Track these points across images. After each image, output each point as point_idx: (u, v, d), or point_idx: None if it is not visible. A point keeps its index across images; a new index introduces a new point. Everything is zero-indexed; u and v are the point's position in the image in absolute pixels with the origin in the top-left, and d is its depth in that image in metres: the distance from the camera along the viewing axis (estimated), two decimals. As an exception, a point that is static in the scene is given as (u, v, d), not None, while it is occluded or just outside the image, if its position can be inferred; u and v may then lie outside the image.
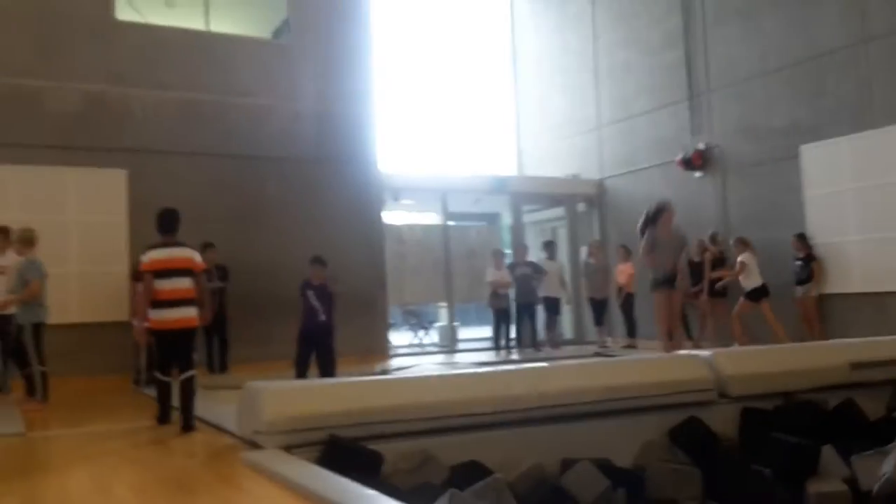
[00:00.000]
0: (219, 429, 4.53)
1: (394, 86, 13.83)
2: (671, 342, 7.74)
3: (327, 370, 7.28)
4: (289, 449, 3.61)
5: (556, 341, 11.22)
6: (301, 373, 7.45)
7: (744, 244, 9.71)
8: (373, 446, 3.66)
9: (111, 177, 8.94)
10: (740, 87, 10.75)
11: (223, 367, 8.63)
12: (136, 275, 5.99)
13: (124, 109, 9.21)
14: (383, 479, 3.49)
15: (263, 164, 9.88)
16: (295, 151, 10.07)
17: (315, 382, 4.29)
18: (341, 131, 10.50)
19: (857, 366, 4.80)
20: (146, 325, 5.16)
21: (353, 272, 10.06)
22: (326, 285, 7.39)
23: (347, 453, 3.49)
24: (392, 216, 12.79)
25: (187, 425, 4.60)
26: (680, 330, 8.62)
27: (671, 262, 7.86)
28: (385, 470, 3.60)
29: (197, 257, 5.18)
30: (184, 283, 4.99)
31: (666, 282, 7.83)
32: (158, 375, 5.02)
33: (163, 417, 4.94)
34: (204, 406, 5.07)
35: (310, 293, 7.29)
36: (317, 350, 7.24)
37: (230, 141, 9.71)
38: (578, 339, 12.56)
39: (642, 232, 8.01)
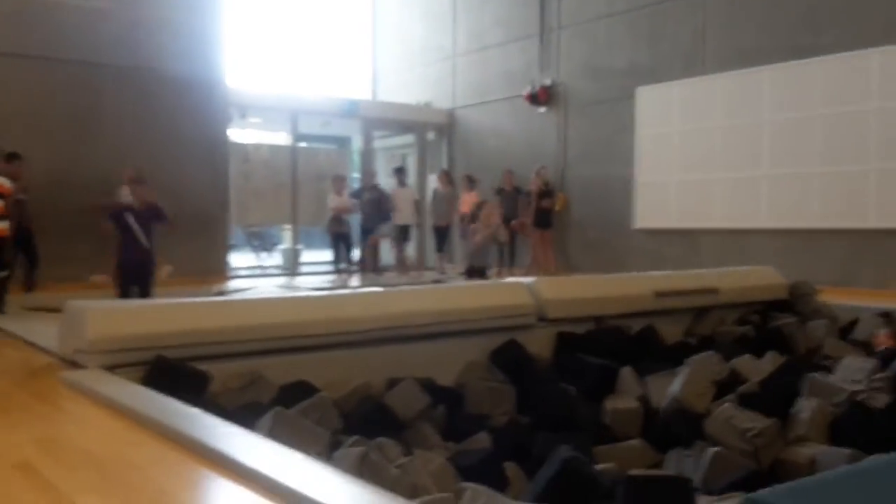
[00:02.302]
0: (37, 347, 4.38)
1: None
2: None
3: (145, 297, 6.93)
4: (112, 369, 3.57)
5: (405, 266, 11.46)
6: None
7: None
8: (202, 367, 3.69)
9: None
10: (587, 26, 11.13)
11: (30, 286, 7.90)
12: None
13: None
14: (210, 399, 3.55)
15: (99, 72, 9.25)
16: (134, 60, 9.48)
17: (143, 302, 4.22)
18: (185, 42, 9.97)
19: (660, 294, 5.30)
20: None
21: (193, 190, 9.77)
22: (153, 207, 6.77)
23: (173, 373, 3.50)
24: (239, 134, 12.42)
25: None
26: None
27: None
28: (213, 389, 3.65)
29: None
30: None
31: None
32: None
33: None
34: (23, 326, 4.86)
35: (128, 216, 6.67)
36: (138, 284, 6.71)
37: (62, 44, 9.00)
38: (420, 266, 12.89)
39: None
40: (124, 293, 6.68)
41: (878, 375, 3.79)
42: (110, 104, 9.32)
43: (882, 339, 4.59)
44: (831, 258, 8.30)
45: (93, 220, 7.65)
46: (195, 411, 2.81)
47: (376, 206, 11.02)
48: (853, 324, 5.35)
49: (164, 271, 7.97)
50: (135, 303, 4.21)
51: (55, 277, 8.09)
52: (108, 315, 3.78)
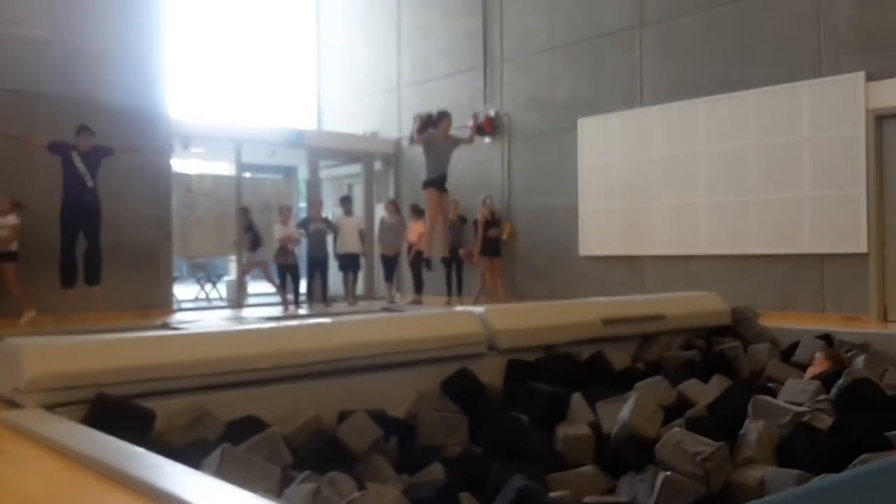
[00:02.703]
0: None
1: (189, 28, 13.12)
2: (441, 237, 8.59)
3: (94, 260, 6.43)
4: (52, 408, 3.45)
5: (353, 298, 11.39)
6: (69, 265, 6.59)
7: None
8: (147, 404, 3.58)
9: None
10: (529, 59, 11.35)
11: None
12: None
13: None
14: (155, 437, 3.44)
15: (36, 102, 9.03)
16: (73, 91, 9.29)
17: (82, 338, 4.09)
18: (126, 72, 9.83)
19: (608, 321, 5.36)
20: None
21: (135, 222, 9.58)
22: (98, 150, 6.36)
23: (115, 411, 3.39)
24: (182, 164, 12.24)
25: None
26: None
27: (444, 164, 8.56)
28: (158, 427, 3.54)
29: None
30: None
31: (437, 181, 8.49)
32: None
33: None
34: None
35: (74, 154, 6.20)
36: (84, 232, 6.25)
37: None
38: (369, 295, 12.83)
39: (420, 130, 8.58)
40: (67, 246, 6.20)
41: (821, 396, 3.90)
42: (48, 135, 9.07)
43: (819, 363, 4.73)
44: (770, 283, 8.54)
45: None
46: (139, 451, 2.72)
47: (321, 237, 10.97)
48: (794, 346, 5.49)
49: (24, 317, 7.74)
50: (74, 339, 4.07)
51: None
52: (46, 352, 3.65)
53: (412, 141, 9.00)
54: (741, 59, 8.91)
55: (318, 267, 11.03)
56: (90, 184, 6.21)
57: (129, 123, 9.69)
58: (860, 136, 7.95)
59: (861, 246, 7.92)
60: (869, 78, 7.87)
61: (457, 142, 8.94)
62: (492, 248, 10.91)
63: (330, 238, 11.26)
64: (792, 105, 8.45)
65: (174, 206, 10.64)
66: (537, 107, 11.26)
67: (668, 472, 3.13)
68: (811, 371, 4.67)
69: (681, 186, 9.43)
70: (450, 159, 8.90)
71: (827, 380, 4.20)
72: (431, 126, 8.68)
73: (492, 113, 11.73)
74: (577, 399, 4.21)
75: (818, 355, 4.86)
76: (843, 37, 8.11)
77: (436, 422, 4.01)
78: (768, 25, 8.67)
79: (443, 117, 8.74)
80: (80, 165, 6.18)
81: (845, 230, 8.03)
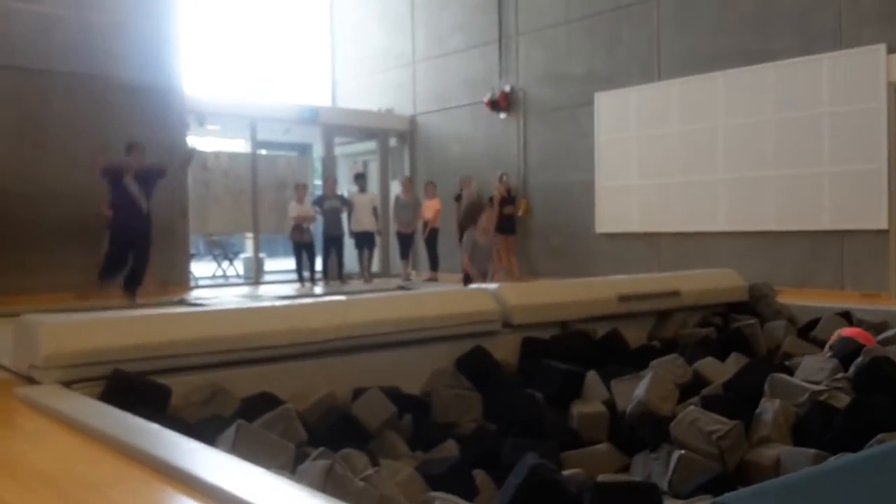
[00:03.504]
0: (-9, 364, 4.24)
1: (203, 4, 13.07)
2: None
3: (138, 274, 6.43)
4: (69, 384, 3.48)
5: (368, 275, 11.40)
6: (112, 277, 6.58)
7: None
8: (163, 381, 3.61)
9: None
10: (545, 32, 11.21)
11: None
12: None
13: None
14: (171, 414, 3.47)
15: (49, 79, 9.05)
16: (86, 66, 9.29)
17: (99, 315, 4.11)
18: (140, 48, 9.80)
19: (624, 298, 5.33)
20: None
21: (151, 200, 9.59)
22: (152, 168, 6.33)
23: (132, 388, 3.42)
24: (198, 142, 12.25)
25: None
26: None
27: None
28: (174, 404, 3.57)
29: None
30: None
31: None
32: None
33: None
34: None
35: (126, 178, 6.18)
36: (134, 252, 6.26)
37: (11, 51, 8.79)
38: (385, 273, 12.84)
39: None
40: (116, 264, 6.10)
41: (839, 375, 3.86)
42: (61, 112, 9.11)
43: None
44: (789, 260, 8.46)
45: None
46: (155, 427, 2.74)
47: (336, 215, 10.96)
48: (813, 323, 5.44)
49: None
50: (90, 316, 4.10)
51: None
52: (62, 329, 3.68)
53: None
54: (759, 31, 8.75)
55: (333, 244, 11.04)
56: (143, 208, 5.99)
57: (144, 100, 9.69)
58: (881, 109, 7.81)
59: (881, 222, 7.81)
60: (890, 50, 7.72)
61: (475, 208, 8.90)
62: (508, 225, 10.86)
63: (345, 216, 11.25)
64: (812, 78, 8.30)
65: (190, 184, 10.67)
66: (553, 81, 11.14)
67: (683, 451, 3.11)
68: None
69: (699, 162, 9.32)
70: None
71: (845, 358, 4.15)
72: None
73: (507, 88, 11.63)
74: (591, 377, 4.20)
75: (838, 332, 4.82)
76: (863, 8, 7.94)
77: (450, 399, 4.02)
78: (788, -3, 8.50)
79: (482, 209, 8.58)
80: (133, 188, 6.01)
81: (865, 206, 7.92)
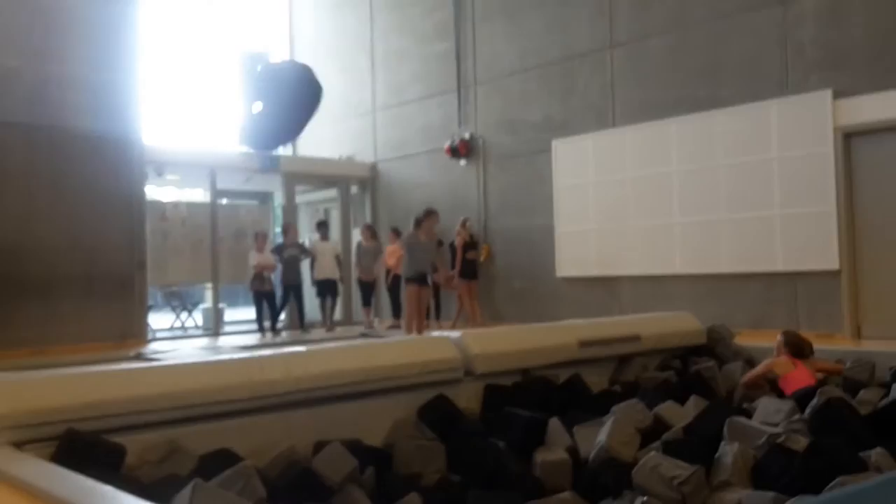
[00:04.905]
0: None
1: (163, 54, 13.10)
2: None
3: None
4: (20, 445, 3.38)
5: (331, 323, 11.32)
6: None
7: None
8: (118, 439, 3.52)
9: None
10: (502, 81, 11.43)
11: None
12: None
13: None
14: (126, 474, 3.38)
15: (6, 131, 8.94)
16: (45, 119, 9.21)
17: (52, 372, 4.01)
18: (99, 99, 9.77)
19: (584, 344, 5.36)
20: None
21: (109, 250, 9.48)
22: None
23: (85, 447, 3.33)
24: (156, 192, 12.17)
25: None
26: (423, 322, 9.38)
27: (427, 262, 8.69)
28: (129, 463, 3.48)
29: None
30: None
31: (418, 279, 8.60)
32: None
33: None
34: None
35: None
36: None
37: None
38: (347, 321, 12.76)
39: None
40: None
41: (795, 417, 3.92)
42: (20, 164, 8.99)
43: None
44: (744, 302, 8.61)
45: None
46: (108, 490, 2.66)
47: (295, 263, 10.91)
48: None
49: None
50: (43, 374, 4.00)
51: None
52: (13, 387, 3.58)
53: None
54: (709, 78, 9.03)
55: (292, 292, 10.96)
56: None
57: (103, 151, 9.63)
58: (829, 153, 8.06)
59: (833, 263, 8.01)
60: (836, 96, 8.00)
61: (439, 243, 9.10)
62: (470, 270, 10.91)
63: (307, 263, 11.20)
64: (760, 124, 8.56)
65: (148, 234, 10.55)
66: (511, 128, 11.33)
67: (646, 498, 3.12)
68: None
69: (654, 206, 9.50)
70: (434, 259, 9.07)
71: (801, 399, 4.22)
72: (416, 225, 8.76)
73: (467, 135, 11.79)
74: (554, 424, 4.19)
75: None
76: (809, 55, 8.25)
77: (412, 450, 3.98)
78: (735, 45, 8.80)
79: (428, 215, 8.87)
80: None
81: (817, 248, 8.12)
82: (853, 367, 5.12)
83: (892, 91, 7.59)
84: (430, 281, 9.33)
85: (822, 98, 8.10)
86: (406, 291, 8.93)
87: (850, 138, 8.02)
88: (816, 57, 8.20)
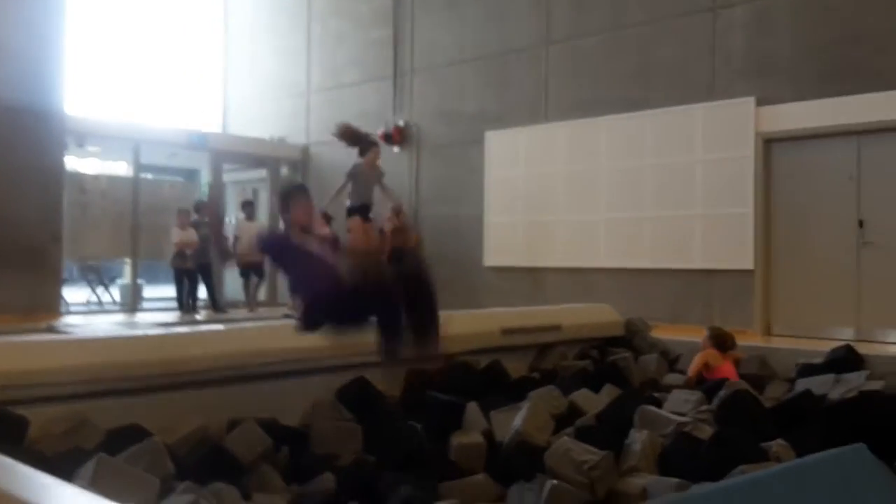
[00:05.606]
0: None
1: (90, 24, 12.62)
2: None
3: None
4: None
5: (254, 304, 11.13)
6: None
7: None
8: (24, 411, 3.40)
9: None
10: (439, 71, 11.43)
11: None
12: None
13: None
14: (28, 447, 3.26)
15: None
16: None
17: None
18: (19, 67, 9.36)
19: (507, 331, 5.43)
20: None
21: (24, 222, 9.12)
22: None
23: (-15, 419, 3.20)
24: (77, 163, 11.75)
25: None
26: None
27: (369, 193, 8.39)
28: (32, 436, 3.36)
29: None
30: None
31: (361, 209, 8.31)
32: None
33: None
34: None
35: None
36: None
37: None
38: (271, 302, 12.58)
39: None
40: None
41: (703, 407, 4.05)
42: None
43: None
44: (663, 296, 8.86)
45: None
46: (7, 461, 2.57)
47: (207, 241, 10.63)
48: (679, 357, 5.71)
49: None
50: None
51: None
52: None
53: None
54: (640, 80, 9.24)
55: (202, 271, 10.68)
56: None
57: (21, 120, 9.22)
58: (749, 158, 8.36)
59: (748, 263, 8.32)
60: (759, 103, 8.30)
61: (381, 174, 8.74)
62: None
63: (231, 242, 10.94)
64: (687, 127, 8.81)
65: (66, 207, 10.17)
66: (446, 118, 11.34)
67: (555, 481, 3.18)
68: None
69: (582, 201, 9.68)
70: (374, 190, 8.70)
71: (709, 390, 4.37)
72: (360, 152, 8.44)
73: (401, 123, 11.74)
74: (472, 408, 4.23)
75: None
76: (735, 63, 8.52)
77: (330, 430, 3.96)
78: (666, 50, 9.02)
79: (372, 145, 8.49)
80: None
81: (733, 248, 8.42)
82: (760, 362, 5.33)
83: (812, 101, 7.91)
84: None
85: (746, 105, 8.38)
86: (349, 223, 8.55)
87: (770, 144, 8.33)
88: (742, 65, 8.47)
